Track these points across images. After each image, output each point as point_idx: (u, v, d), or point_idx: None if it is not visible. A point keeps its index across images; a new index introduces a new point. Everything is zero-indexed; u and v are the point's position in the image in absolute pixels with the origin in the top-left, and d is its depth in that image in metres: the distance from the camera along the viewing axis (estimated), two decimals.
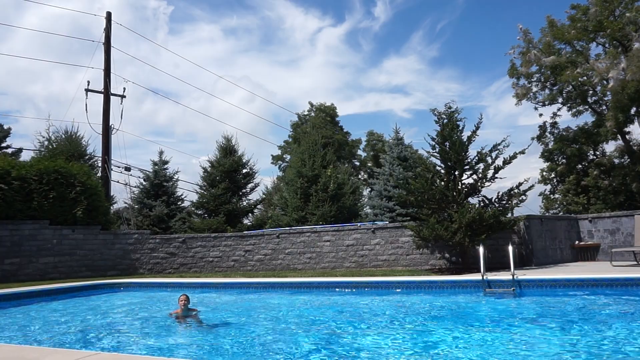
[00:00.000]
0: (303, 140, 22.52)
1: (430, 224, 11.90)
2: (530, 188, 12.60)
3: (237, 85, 74.24)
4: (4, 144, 31.08)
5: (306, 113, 47.66)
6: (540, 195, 32.57)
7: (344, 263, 14.57)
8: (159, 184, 23.00)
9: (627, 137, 27.49)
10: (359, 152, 49.10)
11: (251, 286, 11.40)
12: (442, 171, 12.88)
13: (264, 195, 25.60)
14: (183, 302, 7.81)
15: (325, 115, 45.78)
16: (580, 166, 30.53)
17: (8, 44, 49.48)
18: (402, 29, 65.09)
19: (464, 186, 12.61)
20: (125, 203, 23.61)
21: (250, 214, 23.61)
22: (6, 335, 6.88)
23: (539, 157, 32.24)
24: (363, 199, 22.88)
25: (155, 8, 65.13)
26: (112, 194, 21.54)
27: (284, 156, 47.12)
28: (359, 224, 15.43)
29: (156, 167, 23.53)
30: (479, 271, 9.41)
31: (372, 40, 66.25)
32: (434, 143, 12.87)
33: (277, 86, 73.69)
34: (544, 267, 11.77)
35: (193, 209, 23.07)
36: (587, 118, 30.83)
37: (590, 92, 29.05)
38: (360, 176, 43.71)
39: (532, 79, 29.94)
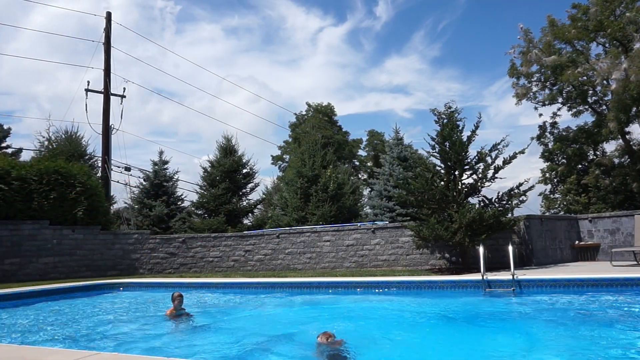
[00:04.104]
0: (303, 141, 22.53)
1: (430, 224, 11.89)
2: (530, 188, 12.60)
3: (237, 85, 74.27)
4: (4, 144, 31.08)
5: (304, 113, 47.67)
6: (540, 195, 32.58)
7: (344, 263, 14.57)
8: (159, 184, 22.98)
9: (627, 137, 27.49)
10: (360, 151, 49.14)
11: (251, 286, 11.39)
12: (442, 171, 12.87)
13: (264, 195, 25.60)
14: (178, 301, 7.74)
15: (323, 116, 45.77)
16: (580, 166, 30.52)
17: (14, 44, 49.56)
18: (404, 29, 65.18)
19: (464, 186, 12.60)
20: (125, 203, 23.61)
21: (250, 214, 23.59)
22: (6, 335, 6.88)
23: (539, 157, 32.26)
24: (363, 199, 22.87)
25: (162, 8, 65.26)
26: (112, 194, 21.54)
27: (284, 156, 47.12)
28: (359, 224, 15.42)
29: (156, 167, 23.52)
30: (479, 271, 9.41)
31: (374, 39, 66.31)
32: (433, 143, 12.86)
33: (278, 86, 73.81)
34: (544, 267, 11.76)
35: (193, 209, 23.05)
36: (587, 118, 30.83)
37: (591, 92, 29.03)
38: (360, 176, 43.71)
39: (532, 79, 29.91)
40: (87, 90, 21.89)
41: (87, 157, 21.88)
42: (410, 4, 61.29)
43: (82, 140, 22.08)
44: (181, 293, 7.91)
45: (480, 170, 12.55)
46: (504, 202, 12.52)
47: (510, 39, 70.60)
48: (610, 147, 29.80)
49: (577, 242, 14.28)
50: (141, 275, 15.20)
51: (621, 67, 23.42)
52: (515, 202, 12.49)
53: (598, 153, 30.34)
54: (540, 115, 31.23)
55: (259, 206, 24.40)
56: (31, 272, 14.34)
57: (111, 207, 20.81)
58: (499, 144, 12.41)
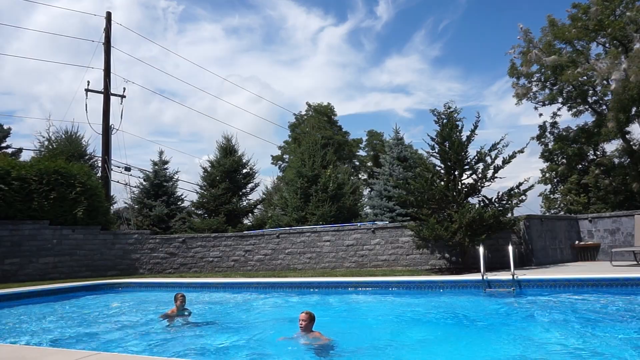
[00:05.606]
0: (303, 141, 22.51)
1: (430, 224, 11.89)
2: (530, 188, 12.59)
3: (237, 85, 74.26)
4: (4, 144, 31.07)
5: (304, 113, 47.66)
6: (540, 195, 32.57)
7: (344, 263, 14.57)
8: (159, 184, 22.99)
9: (627, 137, 27.48)
10: (360, 151, 49.13)
11: (251, 286, 11.40)
12: (442, 171, 12.87)
13: (264, 195, 25.60)
14: (180, 301, 7.79)
15: (322, 116, 45.73)
16: (580, 166, 30.52)
17: (16, 43, 49.56)
18: (404, 29, 65.17)
19: (463, 186, 12.61)
20: (125, 203, 23.62)
21: (250, 214, 23.60)
22: (6, 335, 6.88)
23: (539, 157, 32.25)
24: (363, 199, 22.87)
25: (164, 8, 65.34)
26: (112, 194, 21.54)
27: (284, 156, 47.11)
28: (359, 224, 15.42)
29: (156, 167, 23.52)
30: (479, 271, 9.41)
31: (374, 39, 66.31)
32: (433, 143, 12.87)
33: (279, 86, 73.84)
34: (544, 267, 11.77)
35: (193, 209, 23.06)
36: (587, 118, 30.85)
37: (591, 92, 29.03)
38: (360, 176, 43.70)
39: (532, 79, 29.92)
40: (87, 90, 21.89)
41: (87, 157, 21.89)
42: (410, 3, 61.33)
43: (82, 140, 22.11)
44: (184, 294, 7.93)
45: (480, 170, 12.55)
46: (504, 202, 12.52)
47: (510, 39, 70.71)
48: (610, 147, 29.82)
49: (577, 242, 14.28)
50: (141, 275, 15.20)
51: (621, 67, 23.42)
52: (515, 201, 12.48)
53: (598, 153, 30.34)
54: (541, 115, 31.28)
55: (259, 206, 24.41)
56: (31, 272, 14.34)
57: (111, 207, 20.81)
58: (498, 143, 12.42)
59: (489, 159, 12.49)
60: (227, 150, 23.20)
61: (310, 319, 5.75)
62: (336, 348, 5.57)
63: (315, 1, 65.75)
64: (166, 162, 24.00)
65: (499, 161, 12.31)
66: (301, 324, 5.72)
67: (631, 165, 26.83)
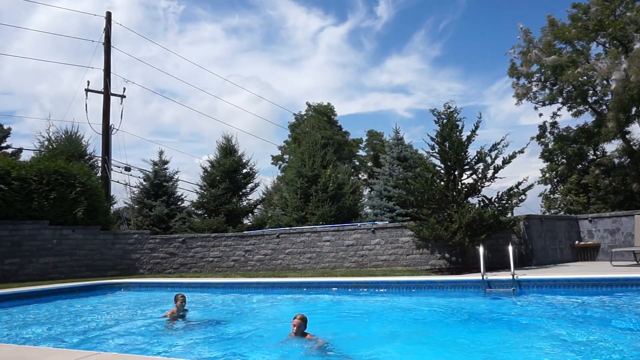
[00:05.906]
0: (303, 141, 22.51)
1: (430, 224, 11.89)
2: (529, 187, 12.59)
3: (238, 85, 74.26)
4: (4, 144, 31.07)
5: (304, 113, 47.66)
6: (540, 195, 32.56)
7: (344, 263, 14.57)
8: (159, 184, 22.99)
9: (627, 137, 27.47)
10: (360, 151, 49.13)
11: (251, 286, 11.40)
12: (442, 171, 12.87)
13: (264, 195, 25.60)
14: (180, 301, 7.80)
15: (322, 116, 45.71)
16: (580, 166, 30.51)
17: (17, 43, 49.55)
18: (404, 29, 65.19)
19: (463, 186, 12.60)
20: (125, 203, 23.62)
21: (250, 214, 23.59)
22: (6, 335, 6.88)
23: (539, 157, 32.25)
24: (363, 199, 22.87)
25: (165, 8, 65.41)
26: (112, 194, 21.54)
27: (284, 156, 47.12)
28: (359, 224, 15.42)
29: (156, 167, 23.52)
30: (479, 271, 9.41)
31: (374, 39, 66.33)
32: (433, 143, 12.87)
33: (279, 86, 73.87)
34: (544, 267, 11.77)
35: (193, 209, 23.06)
36: (587, 118, 30.83)
37: (591, 92, 29.03)
38: (360, 176, 43.68)
39: (532, 79, 29.92)
40: (87, 90, 21.89)
41: (87, 157, 21.88)
42: (411, 3, 61.35)
43: (82, 140, 22.11)
44: (184, 294, 7.93)
45: (480, 170, 12.55)
46: (504, 202, 12.51)
47: (510, 39, 70.72)
48: (610, 147, 29.81)
49: (577, 242, 14.28)
50: (141, 275, 15.20)
51: (621, 67, 23.41)
52: (514, 201, 12.48)
53: (598, 153, 30.33)
54: (541, 115, 31.27)
55: (259, 206, 24.41)
56: (31, 272, 14.33)
57: (111, 207, 20.81)
58: (498, 143, 12.42)
59: (489, 159, 12.50)
60: (227, 150, 23.20)
61: (302, 322, 5.78)
62: (332, 349, 5.57)
63: (315, 1, 65.82)
64: (166, 162, 24.00)
65: (499, 161, 12.32)
66: (293, 329, 5.75)
67: (631, 165, 26.82)
